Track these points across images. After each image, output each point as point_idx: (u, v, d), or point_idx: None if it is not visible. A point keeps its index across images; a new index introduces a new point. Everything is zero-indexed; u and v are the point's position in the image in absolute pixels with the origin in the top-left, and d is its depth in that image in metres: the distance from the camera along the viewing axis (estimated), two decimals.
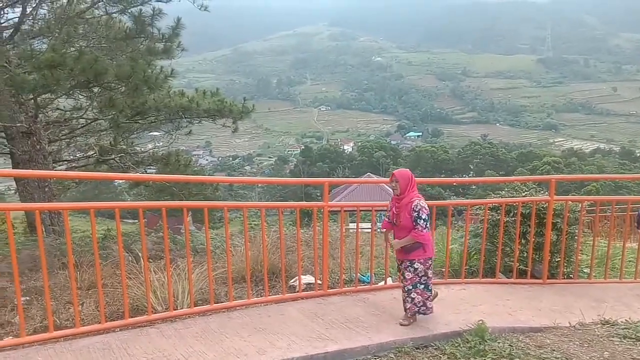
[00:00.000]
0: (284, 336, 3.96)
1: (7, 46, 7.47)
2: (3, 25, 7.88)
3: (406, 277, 4.33)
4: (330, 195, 5.31)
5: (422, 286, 4.32)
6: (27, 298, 5.01)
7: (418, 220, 4.21)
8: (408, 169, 4.50)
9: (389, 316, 4.50)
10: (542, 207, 5.78)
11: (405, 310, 4.36)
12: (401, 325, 4.26)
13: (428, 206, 4.37)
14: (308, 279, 5.60)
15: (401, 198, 4.34)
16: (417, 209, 4.23)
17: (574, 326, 4.38)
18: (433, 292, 4.56)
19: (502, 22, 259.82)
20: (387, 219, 4.63)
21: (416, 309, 4.32)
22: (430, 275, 4.42)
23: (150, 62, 8.16)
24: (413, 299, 4.30)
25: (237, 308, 4.65)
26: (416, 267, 4.31)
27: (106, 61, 7.21)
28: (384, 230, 4.71)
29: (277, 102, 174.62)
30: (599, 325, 4.39)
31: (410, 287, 4.31)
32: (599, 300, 5.19)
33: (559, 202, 5.81)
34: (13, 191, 11.35)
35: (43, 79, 6.64)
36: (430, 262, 4.39)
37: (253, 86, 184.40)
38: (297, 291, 5.13)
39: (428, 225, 4.26)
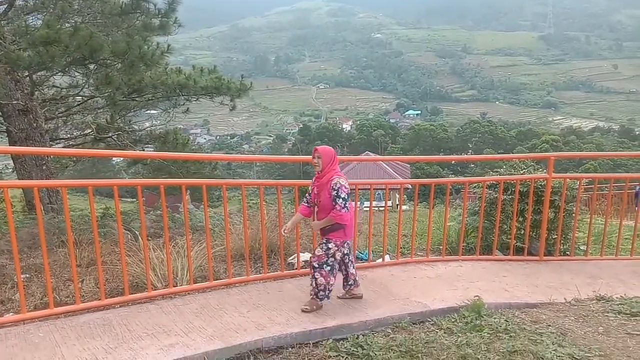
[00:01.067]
0: (282, 312, 4.00)
1: (2, 22, 7.35)
2: None
3: (316, 253, 4.10)
4: None
5: (329, 268, 4.05)
6: (27, 275, 5.04)
7: (337, 199, 3.95)
8: (332, 148, 4.26)
9: (386, 292, 4.54)
10: (540, 185, 5.79)
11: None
12: (303, 311, 4.01)
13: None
14: (306, 256, 5.63)
15: (322, 176, 4.08)
16: (336, 187, 3.96)
17: (570, 302, 4.43)
18: (355, 292, 4.36)
19: None
20: (305, 203, 4.34)
21: (316, 290, 4.06)
22: (348, 260, 4.28)
23: (146, 38, 8.04)
24: (316, 279, 4.04)
25: (236, 285, 4.69)
26: (330, 246, 4.05)
27: (102, 37, 7.11)
28: (298, 214, 4.37)
29: (275, 79, 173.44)
30: (594, 301, 4.44)
31: (317, 265, 4.04)
32: (594, 276, 5.24)
33: (557, 179, 5.82)
34: (11, 169, 11.32)
35: (38, 56, 6.56)
36: (345, 245, 4.16)
37: (251, 63, 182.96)
38: (296, 268, 5.17)
39: (347, 205, 4.00)
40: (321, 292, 4.06)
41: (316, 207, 4.20)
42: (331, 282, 4.08)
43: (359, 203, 5.74)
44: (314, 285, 4.06)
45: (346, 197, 3.99)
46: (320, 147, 4.19)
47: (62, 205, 4.03)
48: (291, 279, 4.94)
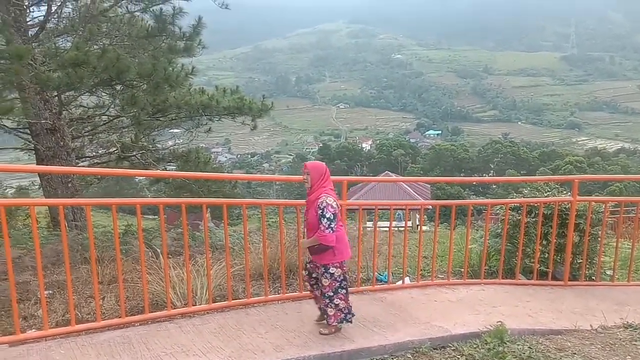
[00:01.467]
0: (301, 334, 3.97)
1: (33, 44, 7.62)
2: (29, 23, 8.03)
3: (324, 284, 3.96)
4: (348, 193, 5.28)
5: (344, 291, 3.99)
6: (50, 292, 5.12)
7: (321, 219, 3.79)
8: (324, 164, 4.11)
9: (406, 315, 4.47)
10: (565, 208, 5.68)
11: (328, 317, 3.99)
12: (321, 334, 3.96)
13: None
14: None
15: (310, 193, 3.95)
16: (322, 206, 3.81)
17: (596, 329, 4.30)
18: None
19: (525, 19, 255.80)
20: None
21: (342, 315, 3.97)
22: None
23: (171, 60, 8.25)
24: (337, 305, 3.95)
25: (255, 305, 4.69)
26: (332, 272, 3.93)
27: (128, 59, 7.31)
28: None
29: (295, 99, 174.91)
30: (621, 329, 4.31)
31: (332, 294, 3.95)
32: (621, 303, 5.08)
33: (582, 202, 5.71)
34: (37, 186, 11.59)
35: (67, 77, 6.77)
36: (346, 265, 4.05)
37: (272, 84, 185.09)
38: None
39: (333, 226, 3.80)
40: (348, 315, 4.01)
41: (306, 225, 4.08)
42: (350, 303, 4.03)
43: (369, 222, 5.70)
44: (337, 311, 3.95)
45: (331, 217, 3.80)
46: (310, 162, 4.06)
47: (86, 222, 4.10)
48: (310, 300, 4.90)
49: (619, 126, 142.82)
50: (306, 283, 4.31)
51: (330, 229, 3.79)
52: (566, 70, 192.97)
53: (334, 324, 3.97)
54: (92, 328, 3.96)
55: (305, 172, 3.97)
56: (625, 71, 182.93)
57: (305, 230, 4.11)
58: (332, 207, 3.81)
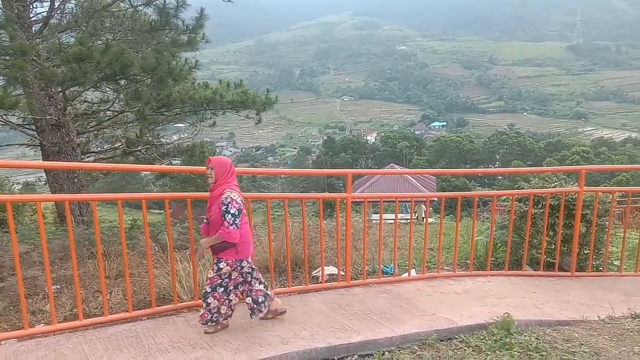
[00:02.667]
0: (307, 326, 3.98)
1: (37, 40, 7.62)
2: (32, 19, 8.04)
3: (208, 275, 3.84)
4: (353, 186, 5.28)
5: (222, 289, 3.82)
6: (58, 286, 5.15)
7: (225, 215, 3.63)
8: (230, 160, 3.99)
9: (412, 307, 4.47)
10: (571, 199, 5.65)
11: (200, 317, 3.85)
12: (205, 332, 3.82)
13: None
14: (331, 270, 5.61)
15: (214, 188, 3.78)
16: (226, 202, 3.64)
17: (603, 320, 4.28)
18: (276, 307, 4.10)
19: (530, 9, 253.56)
20: (205, 220, 3.99)
21: (209, 316, 3.81)
22: (252, 279, 3.94)
23: (175, 54, 8.22)
24: (209, 303, 3.78)
25: None
26: (221, 266, 3.76)
27: (132, 54, 7.30)
28: (202, 234, 4.01)
29: (299, 92, 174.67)
30: (629, 319, 4.29)
31: (209, 290, 3.80)
32: (629, 293, 5.06)
33: (589, 193, 5.67)
34: (43, 182, 11.67)
35: (71, 72, 6.77)
36: (240, 265, 3.85)
37: (276, 77, 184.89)
38: (320, 282, 5.15)
39: (237, 222, 3.66)
40: (214, 315, 3.81)
41: (208, 223, 3.89)
42: (227, 305, 3.85)
43: (374, 215, 5.67)
44: (206, 310, 3.79)
45: (236, 213, 3.65)
46: (215, 157, 3.92)
47: (92, 217, 4.11)
48: (315, 292, 4.91)
49: (626, 116, 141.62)
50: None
51: (234, 225, 3.64)
52: (572, 59, 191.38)
53: (200, 323, 3.83)
54: (99, 322, 3.99)
55: (210, 166, 3.80)
56: (631, 60, 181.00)
57: (209, 228, 3.88)
58: (236, 202, 3.67)
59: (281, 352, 3.50)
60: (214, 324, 3.85)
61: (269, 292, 4.04)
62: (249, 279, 3.96)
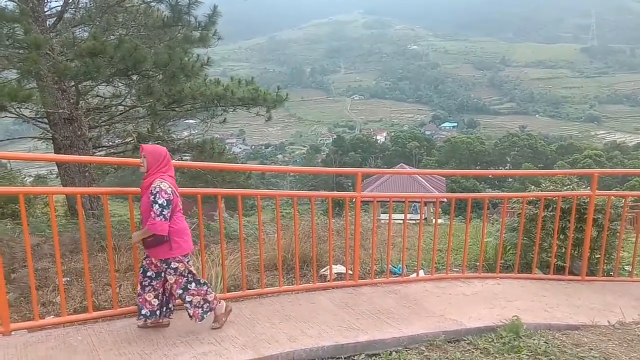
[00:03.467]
0: (314, 324, 3.98)
1: (51, 34, 7.69)
2: (47, 13, 8.11)
3: (170, 281, 3.65)
4: (362, 185, 5.28)
5: (194, 284, 3.70)
6: (68, 279, 5.20)
7: (153, 205, 3.42)
8: (165, 149, 3.74)
9: (420, 308, 4.45)
10: (583, 202, 5.59)
11: (191, 317, 3.72)
12: (212, 328, 3.77)
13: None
14: (339, 268, 5.61)
15: (146, 178, 3.58)
16: (154, 192, 3.44)
17: (614, 325, 4.23)
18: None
19: (544, 10, 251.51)
20: None
21: (201, 311, 3.71)
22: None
23: (187, 50, 8.26)
24: (191, 302, 3.68)
25: (269, 295, 4.70)
26: (174, 267, 3.61)
27: (144, 49, 7.34)
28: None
29: (310, 91, 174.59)
30: (639, 325, 4.24)
31: (181, 291, 3.67)
32: None
33: (601, 197, 5.61)
34: (55, 175, 11.76)
35: (84, 67, 6.83)
36: (188, 258, 3.72)
37: (287, 75, 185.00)
38: (328, 280, 5.14)
39: (165, 213, 3.44)
40: (206, 305, 3.73)
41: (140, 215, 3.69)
42: (207, 291, 3.75)
43: (383, 215, 5.64)
44: (195, 308, 3.69)
45: (164, 204, 3.44)
46: (148, 145, 3.71)
47: (103, 211, 4.14)
48: (323, 291, 4.91)
49: None
50: (137, 285, 3.80)
51: (162, 217, 3.43)
52: (586, 62, 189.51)
53: (198, 321, 3.73)
54: (109, 315, 4.02)
55: (142, 155, 3.61)
56: None
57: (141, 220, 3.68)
58: (165, 192, 3.46)
59: (288, 350, 3.50)
60: (211, 311, 3.78)
61: (172, 306, 3.90)
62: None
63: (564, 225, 5.65)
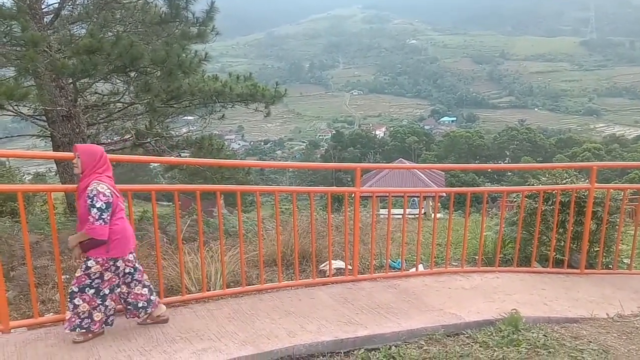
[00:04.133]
0: (314, 320, 3.99)
1: (48, 31, 7.66)
2: (44, 10, 8.08)
3: (76, 274, 3.43)
4: (361, 180, 5.29)
5: (92, 291, 3.42)
6: (67, 276, 5.20)
7: (91, 209, 3.26)
8: (101, 148, 3.57)
9: (420, 303, 4.46)
10: (582, 195, 5.60)
11: (65, 322, 3.44)
12: (74, 342, 3.42)
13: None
14: (338, 264, 5.61)
15: (81, 179, 3.41)
16: (91, 195, 3.28)
17: (612, 318, 4.24)
18: (159, 314, 3.74)
19: (544, 3, 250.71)
20: None
21: (77, 320, 3.41)
22: (132, 280, 3.61)
23: (185, 46, 8.23)
24: (76, 305, 3.39)
25: (268, 291, 4.71)
26: (89, 265, 3.39)
27: (142, 46, 7.31)
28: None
29: (309, 86, 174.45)
30: (638, 318, 4.25)
31: (76, 290, 3.39)
32: (639, 291, 5.01)
33: (600, 190, 5.61)
34: (54, 173, 11.77)
35: (82, 64, 6.80)
36: (114, 265, 3.48)
37: (285, 70, 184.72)
38: (328, 276, 5.15)
39: (105, 217, 3.30)
40: (85, 321, 3.43)
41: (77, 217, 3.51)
42: (102, 311, 3.48)
43: (383, 209, 5.65)
44: (74, 313, 3.41)
45: (103, 207, 3.29)
46: (82, 145, 3.53)
47: None
48: (322, 286, 4.92)
49: (639, 112, 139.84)
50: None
51: (101, 221, 3.28)
52: (585, 55, 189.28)
53: (66, 330, 3.42)
54: None
55: (76, 155, 3.43)
56: None
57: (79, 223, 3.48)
58: (104, 195, 3.31)
59: (288, 345, 3.51)
60: (83, 330, 3.46)
61: (152, 298, 3.73)
62: (129, 280, 3.63)
63: (563, 218, 5.65)
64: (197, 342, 3.51)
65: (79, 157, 3.41)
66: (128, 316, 3.74)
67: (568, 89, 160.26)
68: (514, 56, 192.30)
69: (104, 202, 3.31)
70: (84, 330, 3.46)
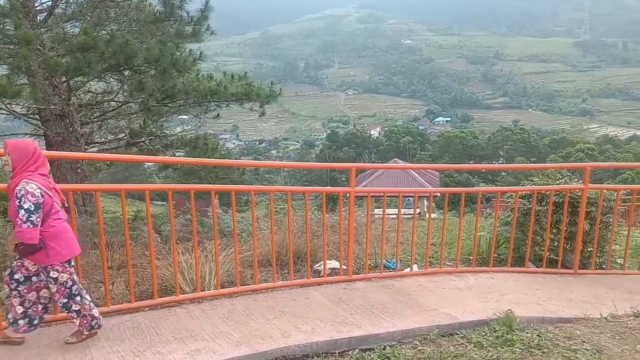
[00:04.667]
0: (308, 320, 3.98)
1: (41, 29, 7.61)
2: (37, 8, 8.02)
3: (52, 290, 3.33)
4: (356, 180, 5.29)
5: (78, 297, 3.39)
6: None
7: (19, 210, 3.04)
8: (32, 141, 3.38)
9: (414, 303, 4.46)
10: (576, 196, 5.62)
11: (79, 325, 3.44)
12: (67, 343, 3.38)
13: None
14: (333, 264, 5.61)
15: (12, 177, 3.20)
16: (19, 195, 3.06)
17: (606, 318, 4.26)
18: (12, 335, 3.39)
19: (538, 4, 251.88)
20: None
21: (88, 320, 3.43)
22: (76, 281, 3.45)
23: (179, 45, 8.20)
24: (78, 311, 3.38)
25: (263, 291, 4.70)
26: (54, 277, 3.28)
27: (136, 44, 7.28)
28: None
29: (304, 86, 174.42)
30: (631, 318, 4.27)
31: (66, 300, 3.34)
32: (632, 291, 5.03)
33: (594, 190, 5.64)
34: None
35: (75, 62, 6.77)
36: (69, 266, 3.37)
37: (280, 70, 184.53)
38: (322, 276, 5.14)
39: (33, 219, 3.07)
40: (94, 321, 3.46)
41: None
42: (92, 307, 3.47)
43: (377, 209, 5.65)
44: (83, 318, 3.40)
45: (31, 209, 3.06)
46: (12, 140, 3.31)
47: (95, 208, 4.11)
48: (317, 286, 4.91)
49: (632, 113, 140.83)
50: (5, 286, 3.42)
51: (29, 223, 3.06)
52: (579, 56, 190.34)
53: (85, 333, 3.44)
54: (101, 313, 3.98)
55: (6, 151, 3.21)
56: (638, 57, 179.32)
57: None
58: (32, 195, 3.08)
59: (282, 345, 3.50)
60: (100, 327, 3.54)
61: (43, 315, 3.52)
62: (40, 284, 3.42)
63: (556, 218, 5.67)
64: (191, 343, 3.50)
65: (9, 154, 3.18)
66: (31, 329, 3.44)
67: (562, 89, 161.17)
68: (508, 57, 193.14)
69: (33, 203, 3.08)
70: (99, 328, 3.51)
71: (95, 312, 3.49)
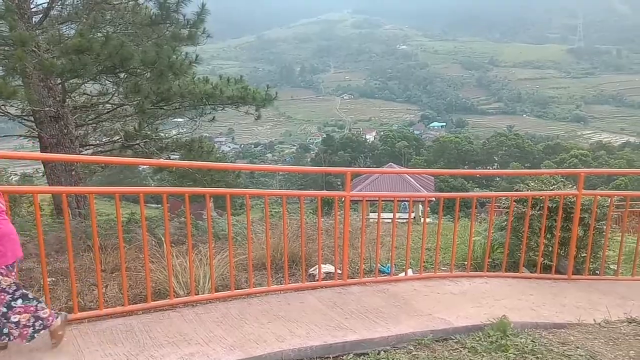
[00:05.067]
0: (303, 324, 3.97)
1: (37, 31, 7.59)
2: (33, 10, 8.00)
3: None
4: (351, 184, 5.29)
5: (20, 300, 3.14)
6: (53, 279, 5.13)
7: None
8: None
9: (409, 307, 4.46)
10: (569, 202, 5.64)
11: (15, 338, 3.15)
12: (54, 346, 3.32)
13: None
14: (328, 268, 5.60)
15: None
16: None
17: (599, 323, 4.28)
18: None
19: (532, 11, 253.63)
20: None
21: (32, 330, 3.17)
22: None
23: (175, 48, 8.20)
24: (18, 322, 3.11)
25: (257, 295, 4.68)
26: None
27: (132, 47, 7.27)
28: None
29: (299, 90, 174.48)
30: (625, 324, 4.28)
31: (5, 309, 3.08)
32: (625, 297, 5.06)
33: (588, 196, 5.66)
34: (41, 174, 11.66)
35: (70, 64, 6.75)
36: (12, 269, 3.16)
37: (276, 74, 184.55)
38: (317, 280, 5.13)
39: None
40: (38, 323, 3.21)
41: None
42: (37, 306, 3.23)
43: (372, 214, 5.65)
44: (23, 328, 3.14)
45: None
46: None
47: (89, 210, 4.09)
48: (312, 290, 4.90)
49: (625, 120, 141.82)
50: None
51: None
52: (572, 62, 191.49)
53: (25, 342, 3.20)
54: (94, 316, 3.97)
55: None
56: (632, 64, 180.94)
57: None
58: None
59: (277, 350, 3.49)
60: (45, 329, 3.27)
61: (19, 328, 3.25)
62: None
63: (550, 224, 5.69)
64: (185, 347, 3.48)
65: None
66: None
67: (556, 96, 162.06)
68: (503, 63, 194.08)
69: None
70: (44, 330, 3.26)
71: (44, 312, 3.25)
